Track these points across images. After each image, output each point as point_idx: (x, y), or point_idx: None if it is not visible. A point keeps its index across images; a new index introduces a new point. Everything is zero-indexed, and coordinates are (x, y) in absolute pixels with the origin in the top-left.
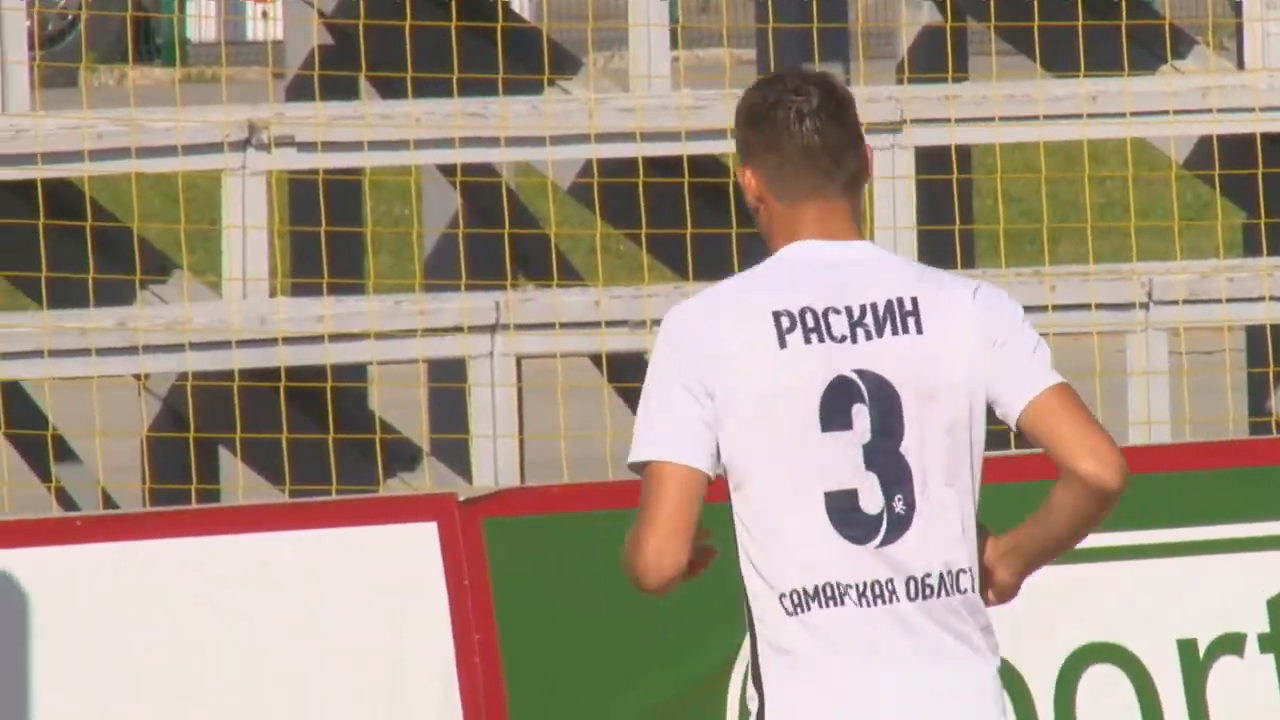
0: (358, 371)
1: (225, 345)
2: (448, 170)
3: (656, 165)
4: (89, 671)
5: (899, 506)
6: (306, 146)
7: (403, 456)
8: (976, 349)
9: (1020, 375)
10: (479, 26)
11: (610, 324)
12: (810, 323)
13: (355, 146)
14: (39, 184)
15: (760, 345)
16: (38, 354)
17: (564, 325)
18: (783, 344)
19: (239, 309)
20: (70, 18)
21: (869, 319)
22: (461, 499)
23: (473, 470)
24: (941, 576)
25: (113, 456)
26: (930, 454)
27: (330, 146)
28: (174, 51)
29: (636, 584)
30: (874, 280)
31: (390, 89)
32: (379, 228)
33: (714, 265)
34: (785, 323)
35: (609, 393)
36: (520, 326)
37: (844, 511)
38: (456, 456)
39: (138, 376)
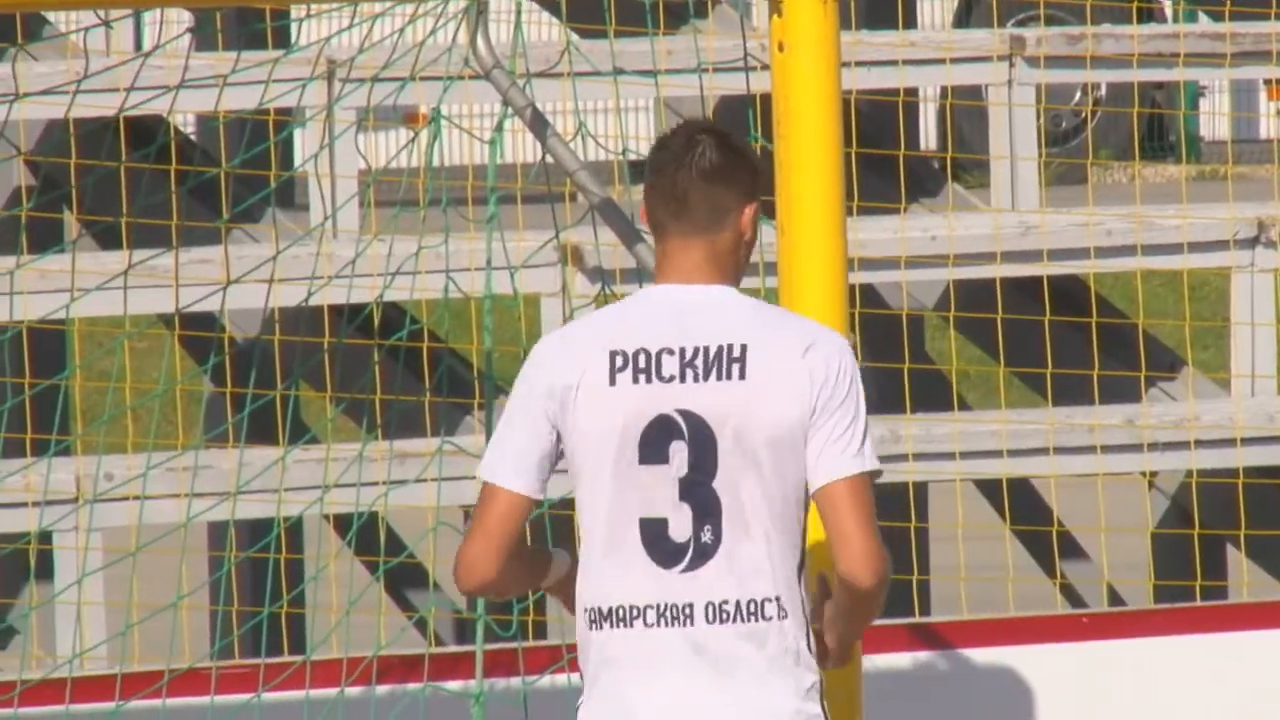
0: None
1: (1231, 443)
2: None
3: None
4: None
5: (706, 536)
6: None
7: None
8: (794, 404)
9: (825, 454)
10: None
11: None
12: (641, 363)
13: None
14: (1046, 280)
15: (593, 382)
16: (1044, 451)
17: None
18: (612, 382)
19: (1245, 407)
20: (1082, 115)
21: (699, 361)
22: None
23: None
24: (738, 604)
25: (1118, 553)
26: (742, 492)
27: None
28: (1186, 148)
29: (456, 583)
30: (712, 325)
31: None
32: None
33: None
34: (619, 361)
35: None
36: None
37: (656, 538)
38: None
39: (1144, 474)
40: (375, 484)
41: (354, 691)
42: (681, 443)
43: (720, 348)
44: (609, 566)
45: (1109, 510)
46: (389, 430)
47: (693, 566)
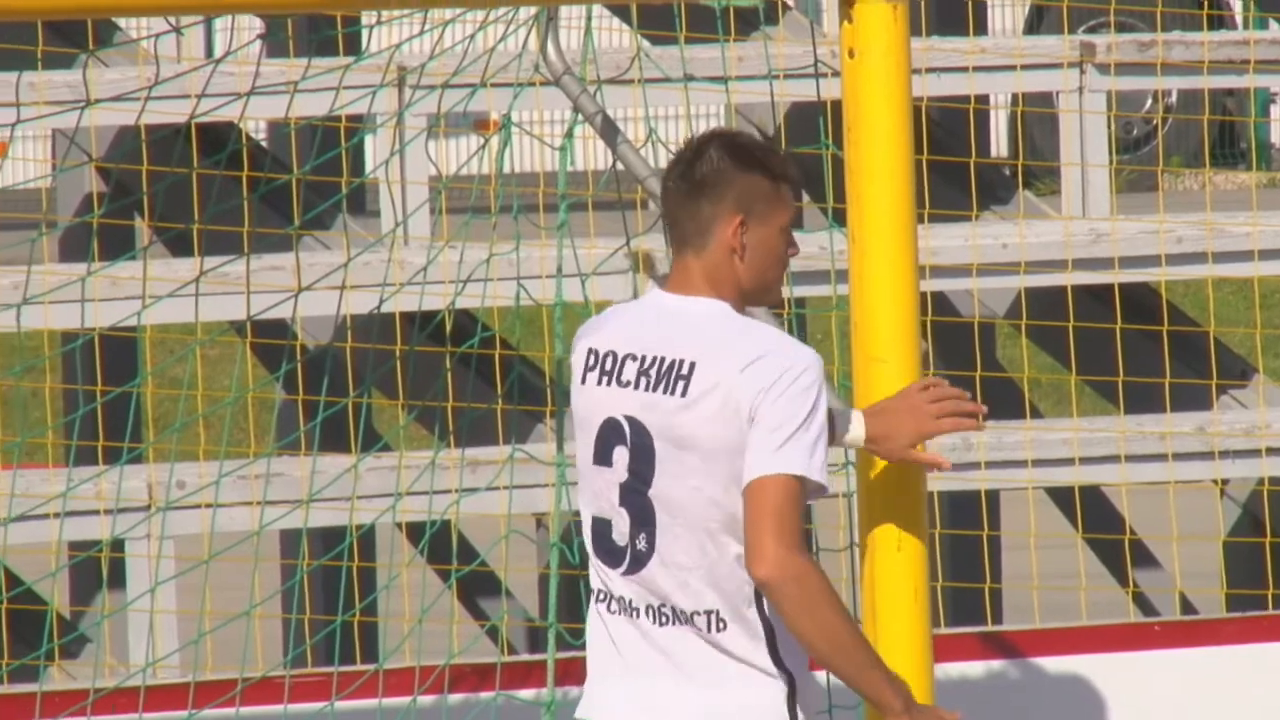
0: None
1: None
2: None
3: None
4: None
5: (641, 544)
6: None
7: None
8: (728, 423)
9: (750, 457)
10: None
11: None
12: (608, 365)
13: None
14: (1116, 288)
15: (576, 378)
16: (1115, 459)
17: None
18: (583, 380)
19: None
20: (1153, 122)
21: (653, 371)
22: None
23: None
24: (674, 609)
25: (1190, 561)
26: (677, 504)
27: None
28: (1257, 155)
29: None
30: (677, 338)
31: None
32: None
33: None
34: (591, 360)
35: None
36: None
37: (601, 538)
38: None
39: (1216, 481)
40: (447, 492)
41: (426, 700)
42: (623, 448)
43: (675, 362)
44: (590, 552)
45: (1180, 518)
46: (461, 438)
47: (631, 571)
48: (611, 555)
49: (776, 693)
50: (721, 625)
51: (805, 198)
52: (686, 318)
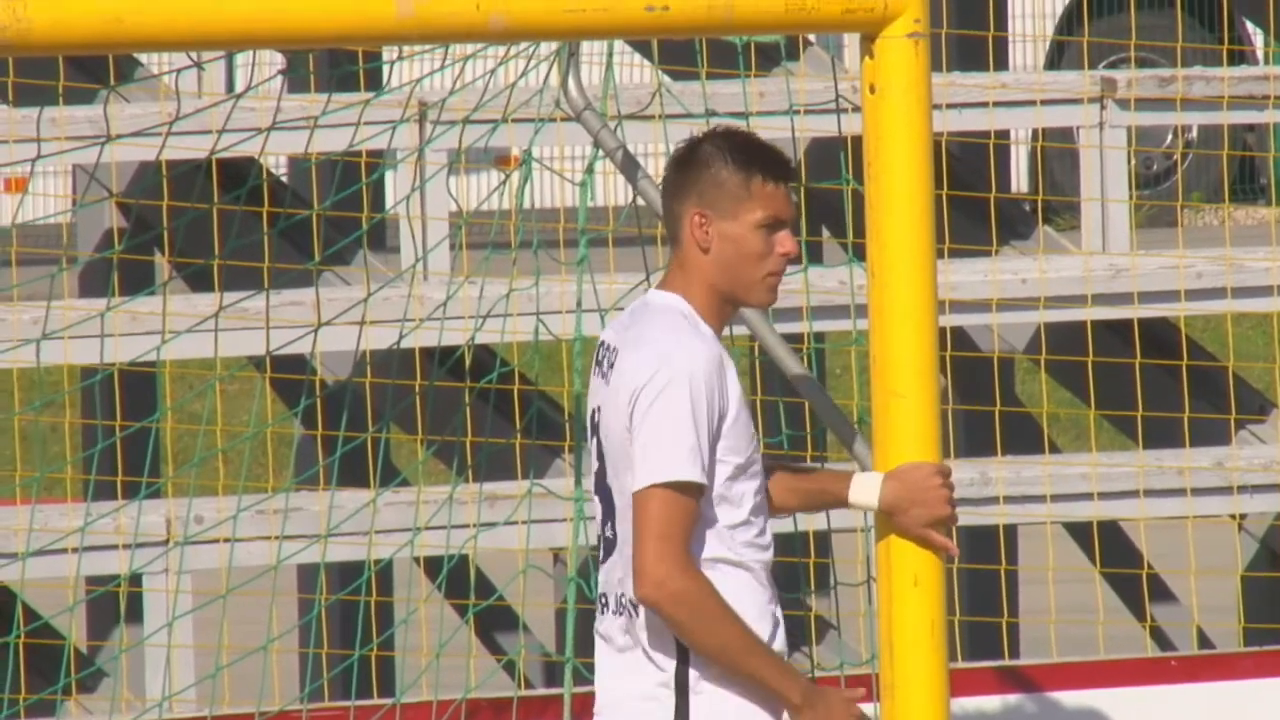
0: None
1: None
2: None
3: None
4: None
5: (609, 532)
6: None
7: None
8: (621, 414)
9: (633, 470)
10: None
11: None
12: (598, 356)
13: None
14: (1136, 323)
15: None
16: (1134, 494)
17: None
18: (591, 371)
19: None
20: (1173, 158)
21: (611, 361)
22: None
23: None
24: (621, 597)
25: (1208, 596)
26: (620, 492)
27: None
28: (1277, 191)
29: None
30: (625, 329)
31: None
32: None
33: None
34: (595, 351)
35: None
36: None
37: (599, 530)
38: None
39: (1234, 516)
40: (465, 526)
41: None
42: (597, 438)
43: (611, 349)
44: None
45: (1198, 553)
46: (479, 473)
47: (606, 558)
48: (600, 546)
49: (665, 679)
50: (637, 611)
51: (825, 232)
52: (644, 310)
